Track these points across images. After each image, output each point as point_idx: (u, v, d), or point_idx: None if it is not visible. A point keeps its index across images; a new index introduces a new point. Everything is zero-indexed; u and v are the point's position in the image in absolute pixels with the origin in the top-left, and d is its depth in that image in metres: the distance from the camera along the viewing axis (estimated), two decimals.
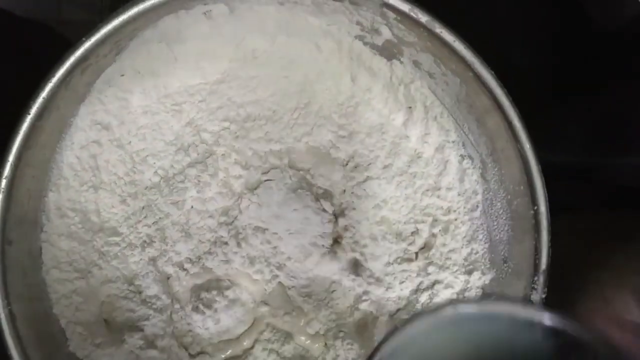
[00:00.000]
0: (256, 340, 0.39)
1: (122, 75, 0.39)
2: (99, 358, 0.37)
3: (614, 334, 0.32)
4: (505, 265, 0.39)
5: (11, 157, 0.34)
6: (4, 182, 0.34)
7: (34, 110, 0.34)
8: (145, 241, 0.39)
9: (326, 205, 0.40)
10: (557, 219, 0.34)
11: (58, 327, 0.37)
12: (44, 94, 0.34)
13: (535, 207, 0.36)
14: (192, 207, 0.40)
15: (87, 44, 0.34)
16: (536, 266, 0.36)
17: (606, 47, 0.41)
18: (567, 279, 0.36)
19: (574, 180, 0.44)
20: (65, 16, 0.50)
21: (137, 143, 0.39)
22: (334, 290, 0.40)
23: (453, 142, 0.41)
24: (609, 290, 0.34)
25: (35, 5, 0.49)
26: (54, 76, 0.34)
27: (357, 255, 0.41)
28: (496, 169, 0.39)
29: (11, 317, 0.34)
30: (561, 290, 0.33)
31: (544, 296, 0.35)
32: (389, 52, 0.40)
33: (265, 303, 0.39)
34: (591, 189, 0.45)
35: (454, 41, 0.35)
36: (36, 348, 0.35)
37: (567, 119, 0.44)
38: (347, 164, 0.42)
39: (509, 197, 0.38)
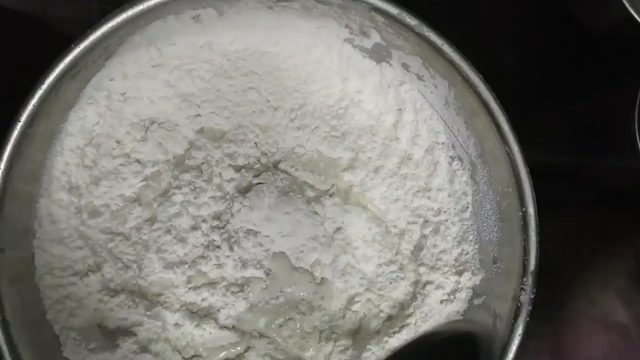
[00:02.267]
0: (249, 347, 0.39)
1: (112, 80, 0.39)
2: None
3: (600, 334, 0.32)
4: (495, 265, 0.39)
5: (2, 165, 0.34)
6: None
7: (24, 117, 0.34)
8: (139, 246, 0.40)
9: (317, 208, 0.41)
10: (544, 219, 0.35)
11: (52, 333, 0.37)
12: (33, 101, 0.34)
13: (524, 209, 0.36)
14: (188, 211, 0.40)
15: (76, 51, 0.34)
16: (525, 267, 0.36)
17: (592, 50, 0.42)
18: (554, 279, 0.36)
19: (559, 181, 0.44)
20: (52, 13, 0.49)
21: (128, 148, 0.39)
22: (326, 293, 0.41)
23: (443, 143, 0.41)
24: (594, 291, 0.34)
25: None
26: (43, 83, 0.34)
27: (349, 257, 0.41)
28: (485, 170, 0.39)
29: (5, 324, 0.34)
30: (550, 290, 0.33)
31: (532, 296, 0.36)
32: (378, 55, 0.40)
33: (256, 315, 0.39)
34: (575, 190, 0.46)
35: (442, 44, 0.35)
36: (31, 354, 0.35)
37: (552, 120, 0.44)
38: (338, 166, 0.42)
39: (498, 198, 0.39)
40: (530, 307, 0.36)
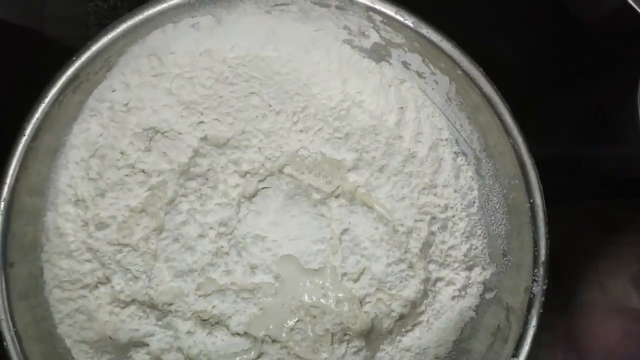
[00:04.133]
0: (261, 353, 0.39)
1: (114, 91, 0.39)
2: None
3: (614, 321, 0.32)
4: (505, 259, 0.39)
5: (8, 180, 0.34)
6: (2, 204, 0.34)
7: (28, 131, 0.34)
8: (147, 256, 0.39)
9: (324, 210, 0.41)
10: (549, 212, 0.35)
11: (64, 347, 0.37)
12: (37, 114, 0.34)
13: (531, 200, 0.36)
14: (194, 219, 0.40)
15: (78, 63, 0.34)
16: (535, 258, 0.36)
17: (587, 40, 0.42)
18: (564, 271, 0.36)
19: (561, 173, 0.44)
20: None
21: (133, 158, 0.39)
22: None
23: (446, 140, 0.41)
24: (606, 279, 0.34)
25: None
26: (46, 96, 0.34)
27: (358, 258, 0.41)
28: (490, 164, 0.39)
29: (17, 338, 0.34)
30: (560, 282, 0.33)
31: (544, 287, 0.36)
32: (377, 54, 0.40)
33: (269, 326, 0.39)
34: (578, 181, 0.46)
35: (441, 41, 0.36)
36: None
37: (551, 113, 0.44)
38: (343, 167, 0.42)
39: (504, 191, 0.39)
40: (542, 299, 0.36)
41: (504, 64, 0.36)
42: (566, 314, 0.35)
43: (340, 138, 0.42)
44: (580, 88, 0.44)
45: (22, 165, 0.34)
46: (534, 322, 0.35)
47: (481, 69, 0.36)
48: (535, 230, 0.36)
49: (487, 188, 0.40)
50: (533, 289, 0.36)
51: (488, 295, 0.40)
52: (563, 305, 0.35)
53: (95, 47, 0.34)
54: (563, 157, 0.45)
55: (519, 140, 0.36)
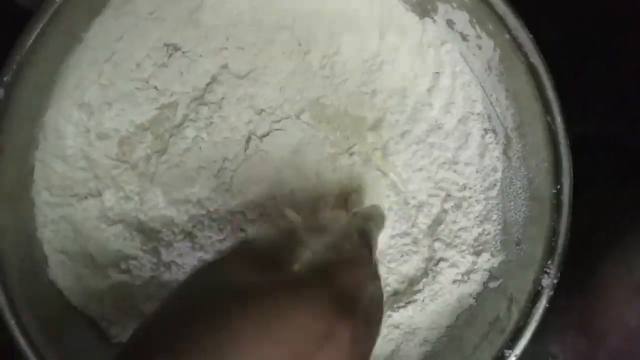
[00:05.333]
0: None
1: None
2: (80, 289, 0.35)
3: (638, 301, 0.29)
4: (517, 247, 0.36)
5: (14, 66, 0.32)
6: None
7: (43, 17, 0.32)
8: (144, 177, 0.38)
9: (335, 166, 0.38)
10: (578, 192, 0.32)
11: (41, 253, 0.36)
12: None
13: (559, 186, 0.33)
14: (199, 148, 0.38)
15: None
16: (551, 249, 0.33)
17: (632, 21, 0.38)
18: (586, 251, 0.33)
19: (595, 151, 0.41)
20: None
21: (147, 72, 0.37)
22: None
23: (478, 114, 0.39)
24: (633, 257, 0.31)
25: None
26: None
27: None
28: (520, 145, 0.36)
29: None
30: (579, 264, 0.30)
31: (555, 281, 0.33)
32: (422, 8, 0.37)
33: None
34: (612, 160, 0.42)
35: None
36: (15, 269, 0.33)
37: (587, 88, 0.41)
38: (363, 125, 0.39)
39: (530, 175, 0.36)
40: (551, 293, 0.33)
41: (541, 43, 0.33)
42: (582, 295, 0.32)
43: (366, 93, 0.39)
44: (613, 63, 0.41)
45: (33, 49, 0.32)
46: (537, 317, 0.33)
47: (531, 36, 0.33)
48: (556, 219, 0.33)
49: (512, 170, 0.37)
50: (542, 281, 0.33)
51: (492, 284, 0.37)
52: (578, 286, 0.32)
53: None
54: (597, 137, 0.42)
55: (558, 119, 0.33)
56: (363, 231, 0.31)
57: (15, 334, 0.31)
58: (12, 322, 0.31)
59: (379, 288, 0.29)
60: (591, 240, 0.33)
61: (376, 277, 0.29)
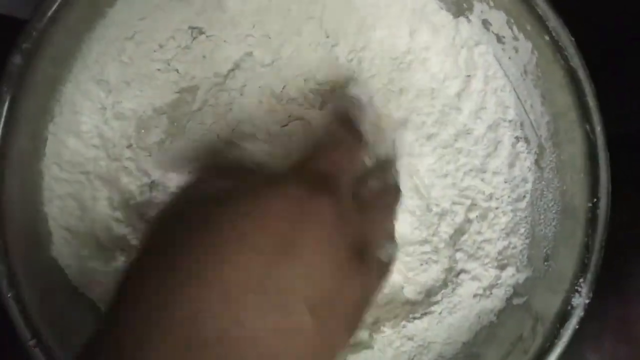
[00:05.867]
0: None
1: None
2: (81, 269, 0.34)
3: None
4: (546, 263, 0.34)
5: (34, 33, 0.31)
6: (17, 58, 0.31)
7: None
8: (158, 163, 0.36)
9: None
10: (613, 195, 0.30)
11: (45, 228, 0.34)
12: None
13: (595, 200, 0.31)
14: (217, 135, 0.36)
15: None
16: (584, 267, 0.31)
17: None
18: (620, 255, 0.30)
19: (633, 150, 0.39)
20: None
21: (170, 54, 0.36)
22: None
23: (510, 121, 0.37)
24: None
25: None
26: None
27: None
28: (554, 155, 0.34)
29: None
30: (616, 263, 0.28)
31: (587, 302, 0.30)
32: (457, 6, 0.36)
33: None
34: None
35: None
36: (18, 240, 0.32)
37: (624, 85, 0.39)
38: (388, 124, 0.38)
39: (564, 187, 0.34)
40: (582, 314, 0.30)
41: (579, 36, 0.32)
42: (618, 299, 0.30)
43: (393, 91, 0.38)
44: None
45: (54, 17, 0.31)
46: (565, 338, 0.30)
47: (573, 39, 0.31)
48: (591, 235, 0.31)
49: (543, 182, 0.35)
50: (573, 300, 0.31)
51: (516, 301, 0.35)
52: (616, 290, 0.30)
53: None
54: (631, 135, 0.39)
55: (597, 128, 0.31)
56: (345, 119, 0.33)
57: (10, 308, 0.30)
58: (8, 295, 0.30)
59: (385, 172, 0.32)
60: (626, 241, 0.31)
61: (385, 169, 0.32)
